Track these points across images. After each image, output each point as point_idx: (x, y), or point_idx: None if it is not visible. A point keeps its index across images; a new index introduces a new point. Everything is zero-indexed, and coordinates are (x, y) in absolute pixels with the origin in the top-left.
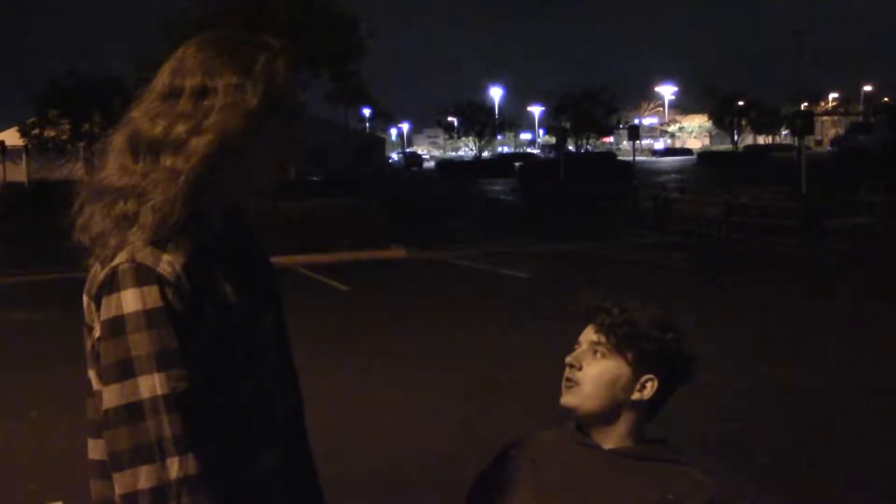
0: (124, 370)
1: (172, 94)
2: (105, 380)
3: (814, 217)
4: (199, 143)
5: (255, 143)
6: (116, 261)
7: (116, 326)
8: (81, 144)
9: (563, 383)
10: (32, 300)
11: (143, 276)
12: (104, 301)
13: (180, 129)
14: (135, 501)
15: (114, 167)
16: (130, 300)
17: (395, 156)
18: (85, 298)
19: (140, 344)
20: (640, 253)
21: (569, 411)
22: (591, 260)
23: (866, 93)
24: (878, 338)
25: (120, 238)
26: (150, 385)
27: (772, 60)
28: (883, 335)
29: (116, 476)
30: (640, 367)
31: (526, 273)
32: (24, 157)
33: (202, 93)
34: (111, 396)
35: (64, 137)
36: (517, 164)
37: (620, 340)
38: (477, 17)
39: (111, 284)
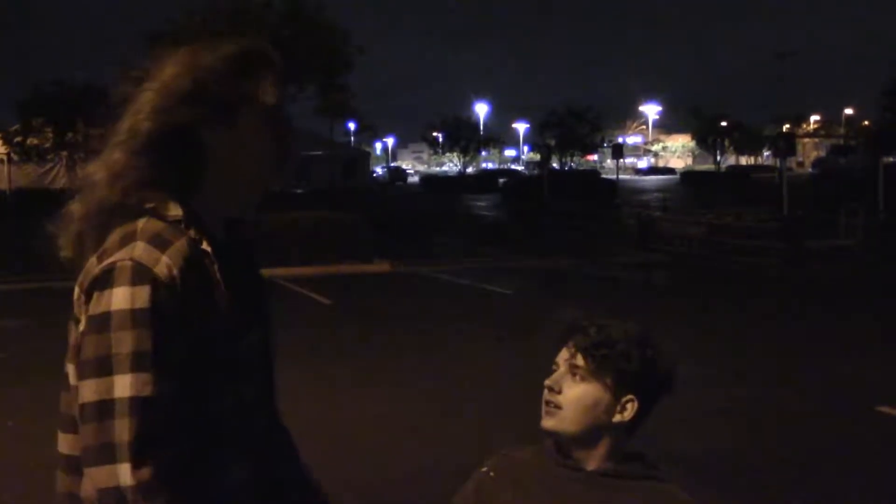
0: (102, 367)
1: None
2: (83, 374)
3: (795, 238)
4: (134, 121)
5: (226, 137)
6: (116, 257)
7: (102, 322)
8: (65, 153)
9: (543, 406)
10: (8, 309)
11: (138, 275)
12: (95, 296)
13: (128, 120)
14: (104, 497)
15: (92, 169)
16: (120, 298)
17: (379, 170)
18: (76, 290)
19: (122, 342)
20: (622, 271)
21: (549, 434)
22: (574, 277)
23: (847, 116)
24: (858, 359)
25: (93, 247)
26: (123, 385)
27: (754, 82)
28: (861, 357)
29: (86, 471)
30: (619, 388)
31: (509, 289)
32: (5, 164)
33: (162, 77)
34: (87, 392)
35: (47, 145)
36: (501, 180)
37: (599, 363)
38: (463, 34)
39: (105, 280)
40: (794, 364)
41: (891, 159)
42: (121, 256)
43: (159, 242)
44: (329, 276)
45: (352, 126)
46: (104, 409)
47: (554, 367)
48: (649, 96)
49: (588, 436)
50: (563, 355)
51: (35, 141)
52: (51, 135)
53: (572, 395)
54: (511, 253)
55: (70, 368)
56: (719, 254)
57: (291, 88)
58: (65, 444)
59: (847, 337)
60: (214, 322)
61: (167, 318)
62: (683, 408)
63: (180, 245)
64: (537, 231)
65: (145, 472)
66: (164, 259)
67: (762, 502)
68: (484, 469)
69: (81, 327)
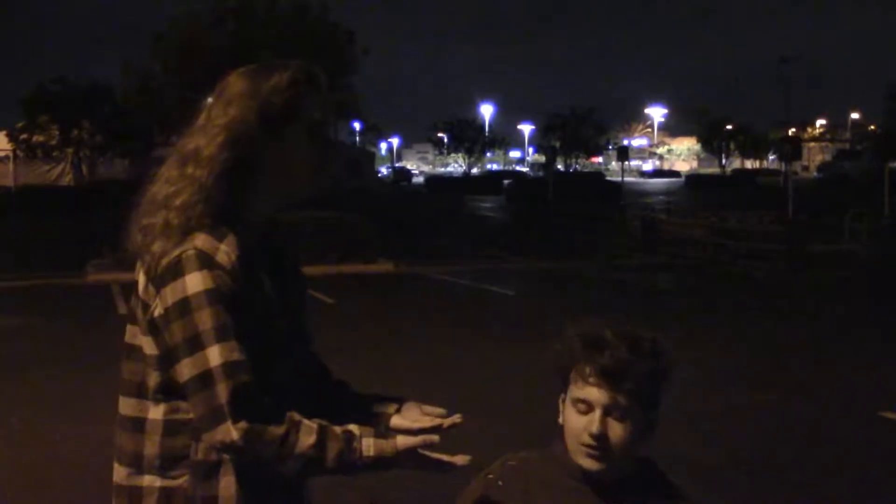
0: (195, 345)
1: (206, 120)
2: (177, 356)
3: (799, 242)
4: (211, 149)
5: (274, 149)
6: (180, 249)
7: (184, 307)
8: (70, 150)
9: (583, 449)
10: (14, 306)
11: (203, 261)
12: (170, 286)
13: (200, 140)
14: (227, 451)
15: (161, 183)
16: (194, 282)
17: (384, 170)
18: (142, 279)
19: (204, 320)
20: (626, 273)
21: (592, 473)
22: (577, 279)
23: (853, 120)
24: (862, 364)
25: (162, 240)
26: (214, 355)
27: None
28: (865, 362)
29: (204, 437)
30: (652, 410)
31: (512, 291)
32: (10, 161)
33: (226, 110)
34: (186, 369)
35: (52, 143)
36: (506, 181)
37: (634, 398)
38: (469, 35)
39: (176, 270)
40: (798, 368)
41: None
42: (184, 248)
43: (217, 234)
44: (332, 275)
45: (357, 126)
46: (206, 379)
47: (581, 404)
48: (655, 99)
49: (625, 464)
50: (597, 395)
51: (40, 138)
52: (56, 132)
53: (618, 437)
54: (515, 254)
55: (144, 341)
56: (723, 257)
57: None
58: (126, 406)
59: (851, 342)
60: (261, 307)
61: (230, 297)
62: (686, 411)
63: (233, 237)
64: (541, 233)
65: (244, 424)
66: (223, 247)
67: None
68: (490, 476)
69: (156, 311)
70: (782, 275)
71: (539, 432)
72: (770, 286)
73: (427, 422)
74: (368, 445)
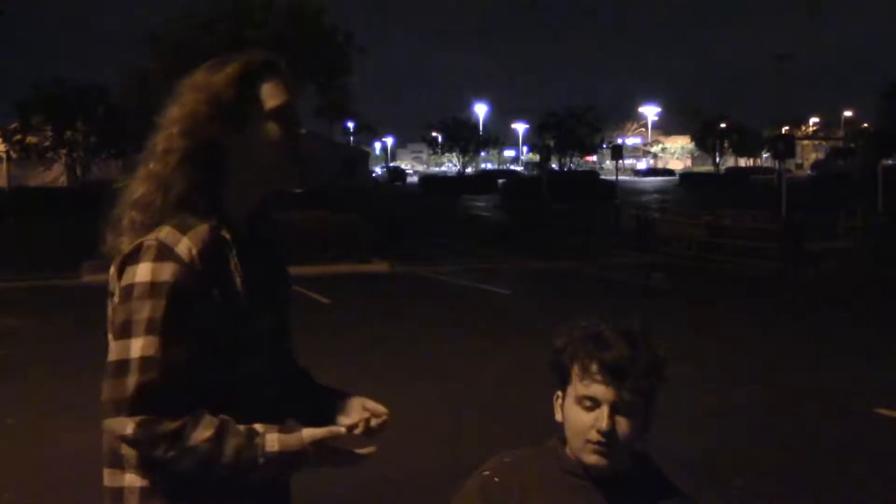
0: (124, 330)
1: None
2: (112, 337)
3: (794, 240)
4: (166, 144)
5: (236, 140)
6: (144, 238)
7: (128, 292)
8: (64, 151)
9: (590, 446)
10: (9, 307)
11: (160, 252)
12: (126, 270)
13: (158, 137)
14: (123, 442)
15: (132, 184)
16: (144, 271)
17: (378, 170)
18: (112, 269)
19: (140, 309)
20: (621, 272)
21: (596, 469)
22: (572, 278)
23: (846, 118)
24: (856, 361)
25: (129, 237)
26: (136, 346)
27: (754, 84)
28: (860, 358)
29: (103, 422)
30: (651, 406)
31: (507, 290)
32: (4, 162)
33: (182, 104)
34: (111, 352)
35: (46, 144)
36: (500, 180)
37: (638, 394)
38: (463, 35)
39: (134, 257)
40: (793, 365)
41: (890, 162)
42: (148, 237)
43: (182, 226)
44: (328, 275)
45: (351, 126)
46: (121, 367)
47: (587, 400)
48: (649, 98)
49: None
50: (603, 392)
51: (34, 139)
52: (50, 133)
53: (624, 432)
54: (509, 254)
55: (110, 337)
56: (718, 255)
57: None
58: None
59: (845, 338)
60: (230, 302)
61: (184, 293)
62: (682, 408)
63: (201, 230)
64: (536, 232)
65: (140, 419)
66: (185, 240)
67: (761, 503)
68: (486, 473)
69: (115, 299)
70: (776, 272)
71: (536, 430)
72: (764, 284)
73: (355, 417)
74: (272, 440)
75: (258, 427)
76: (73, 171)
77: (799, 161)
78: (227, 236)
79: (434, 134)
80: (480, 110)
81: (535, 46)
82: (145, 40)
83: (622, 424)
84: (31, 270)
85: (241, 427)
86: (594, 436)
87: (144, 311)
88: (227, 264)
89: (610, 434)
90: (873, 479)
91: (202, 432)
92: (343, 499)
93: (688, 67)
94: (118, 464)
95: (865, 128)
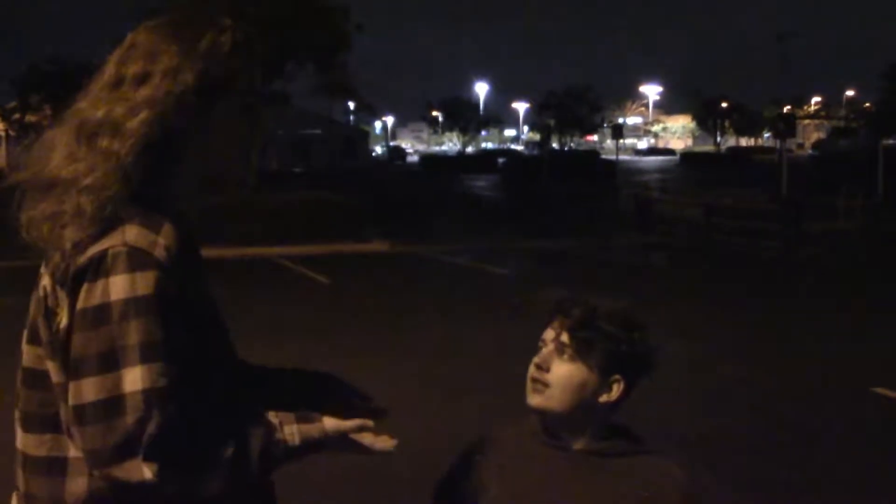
0: (106, 362)
1: (118, 82)
2: (80, 373)
3: (794, 220)
4: (133, 123)
5: (202, 124)
6: (107, 244)
7: (100, 315)
8: None
9: (530, 384)
10: (7, 287)
11: (137, 260)
12: (86, 287)
13: (118, 111)
14: (131, 493)
15: (60, 157)
16: (120, 286)
17: (378, 149)
18: (47, 281)
19: (128, 333)
20: (621, 252)
21: (535, 411)
22: (572, 258)
23: (848, 97)
24: (855, 341)
25: (75, 231)
26: (134, 378)
27: (756, 63)
28: (858, 338)
29: (103, 472)
30: (606, 368)
31: (506, 270)
32: (3, 141)
33: (143, 77)
34: (88, 391)
35: (45, 123)
36: (501, 160)
37: (585, 343)
38: (463, 14)
39: (98, 270)
40: (792, 345)
41: (891, 141)
42: (113, 243)
43: (152, 225)
44: (328, 255)
45: (351, 105)
46: (113, 407)
47: (541, 344)
48: (650, 77)
49: (574, 415)
50: (550, 334)
51: (33, 118)
52: (49, 112)
53: (559, 373)
54: (509, 233)
55: (50, 365)
56: (718, 235)
57: (290, 66)
58: (33, 444)
59: (844, 319)
60: (204, 307)
61: (171, 304)
62: (681, 388)
63: (169, 226)
64: (536, 211)
65: (159, 467)
66: (161, 240)
67: (759, 481)
68: (470, 451)
69: (62, 321)
70: (776, 253)
71: (524, 412)
72: (764, 264)
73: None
74: (292, 433)
75: (273, 418)
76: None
77: (800, 141)
78: (185, 231)
79: (434, 113)
80: (481, 90)
81: (535, 26)
82: (142, 15)
83: (560, 367)
84: (27, 250)
85: (259, 428)
86: (531, 370)
87: (132, 334)
88: (196, 265)
89: (540, 368)
90: (870, 457)
91: (224, 450)
92: (338, 474)
93: (690, 46)
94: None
95: (867, 107)
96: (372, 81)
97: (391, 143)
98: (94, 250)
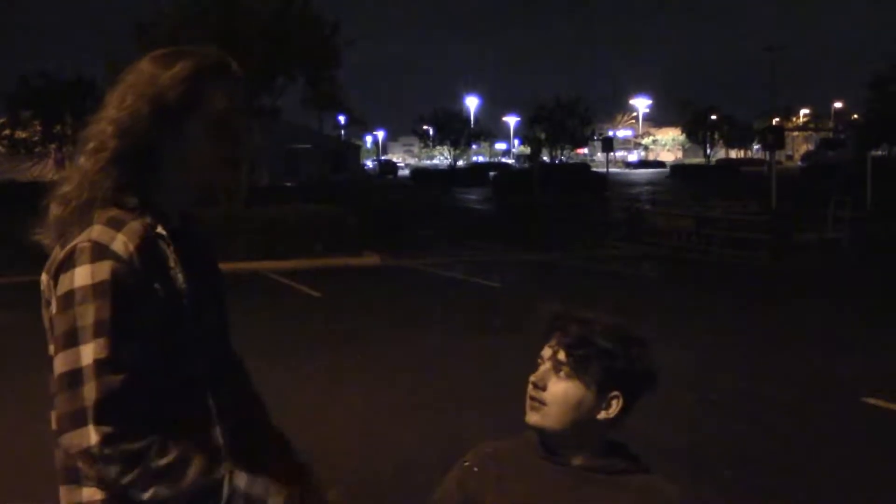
0: (69, 340)
1: (104, 105)
2: (55, 350)
3: (784, 231)
4: (96, 141)
5: (170, 142)
6: (76, 241)
7: (67, 300)
8: (53, 146)
9: (528, 402)
10: (2, 302)
11: (96, 252)
12: (61, 278)
13: (92, 130)
14: (80, 459)
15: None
16: (82, 275)
17: (369, 163)
18: (45, 277)
19: (84, 315)
20: (611, 264)
21: (534, 429)
22: (563, 270)
23: (836, 109)
24: (845, 351)
25: (52, 233)
26: (87, 352)
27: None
28: (849, 349)
29: (60, 439)
30: (604, 385)
31: (497, 283)
32: None
33: (119, 101)
34: (58, 364)
35: (35, 139)
36: (492, 173)
37: (582, 360)
38: (454, 28)
39: (69, 263)
40: (782, 356)
41: (879, 153)
42: (81, 240)
43: (115, 224)
44: (319, 269)
45: (342, 119)
46: (74, 378)
47: (539, 361)
48: (640, 90)
49: (572, 432)
50: (547, 351)
51: (23, 134)
52: (39, 128)
53: (557, 391)
54: (500, 246)
55: (51, 349)
56: (708, 247)
57: (280, 81)
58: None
59: (834, 329)
60: (171, 299)
61: (126, 289)
62: (671, 400)
63: (135, 225)
64: (527, 224)
65: (107, 428)
66: (120, 237)
67: (750, 493)
68: (466, 463)
69: (53, 309)
70: (766, 264)
71: (521, 422)
72: (753, 275)
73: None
74: (240, 476)
75: (224, 465)
76: (62, 166)
77: (789, 152)
78: (163, 232)
79: (425, 127)
80: (472, 103)
81: (525, 39)
82: (134, 32)
83: (557, 385)
84: (23, 265)
85: (204, 460)
86: (529, 389)
87: (89, 314)
88: (167, 261)
89: (537, 387)
90: (860, 467)
91: (165, 456)
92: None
93: (680, 59)
94: (74, 479)
95: (855, 119)
96: (362, 96)
97: (383, 158)
98: (69, 247)
